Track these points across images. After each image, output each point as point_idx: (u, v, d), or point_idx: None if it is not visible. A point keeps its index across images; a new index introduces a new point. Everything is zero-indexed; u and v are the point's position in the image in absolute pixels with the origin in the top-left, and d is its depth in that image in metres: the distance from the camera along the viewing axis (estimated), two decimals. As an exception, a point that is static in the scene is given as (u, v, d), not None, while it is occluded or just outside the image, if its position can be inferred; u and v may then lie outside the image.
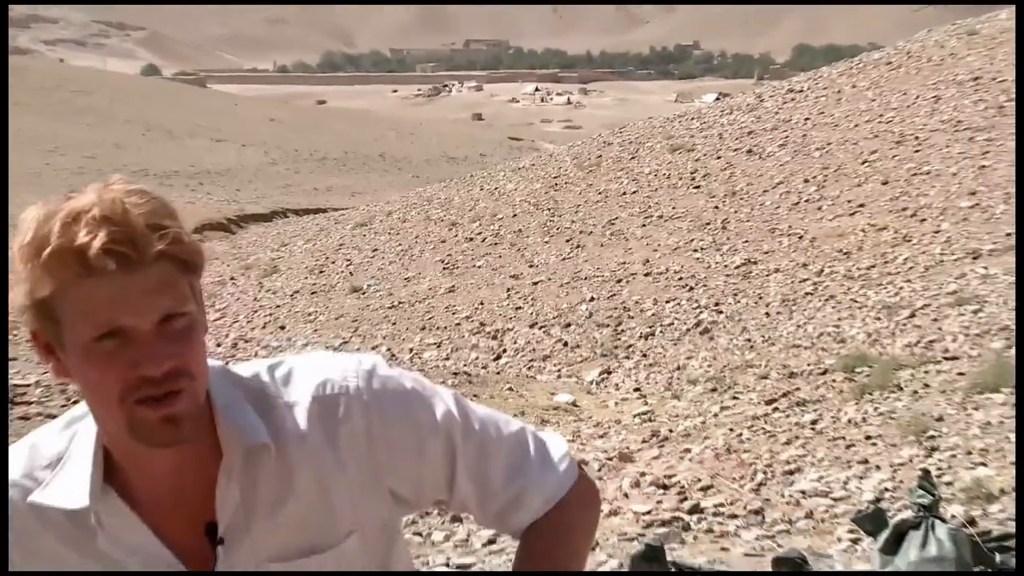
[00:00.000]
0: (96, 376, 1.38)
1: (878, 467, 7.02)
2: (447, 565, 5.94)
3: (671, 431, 9.37)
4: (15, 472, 1.53)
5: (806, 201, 17.56)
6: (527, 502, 1.66)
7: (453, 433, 1.62)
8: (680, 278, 15.93)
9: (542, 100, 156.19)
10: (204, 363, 1.44)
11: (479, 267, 18.92)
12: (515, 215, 21.46)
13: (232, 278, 21.66)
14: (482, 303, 16.91)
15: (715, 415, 9.61)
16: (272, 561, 1.54)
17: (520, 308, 16.28)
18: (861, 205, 16.63)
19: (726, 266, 15.92)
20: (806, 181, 18.37)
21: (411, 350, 14.92)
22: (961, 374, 8.67)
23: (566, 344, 14.45)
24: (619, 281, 16.35)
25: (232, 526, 1.50)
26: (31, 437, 1.57)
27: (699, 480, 7.48)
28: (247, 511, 1.51)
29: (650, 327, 14.39)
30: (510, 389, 12.32)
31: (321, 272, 20.92)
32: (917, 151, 18.04)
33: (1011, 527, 5.07)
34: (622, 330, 14.53)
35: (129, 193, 1.37)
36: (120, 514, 1.49)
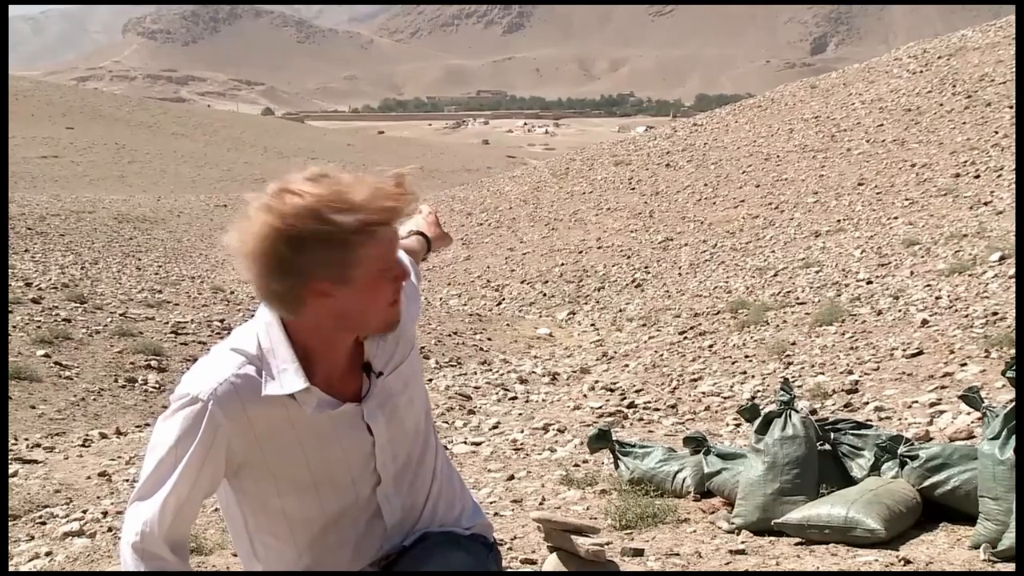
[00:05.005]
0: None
1: (753, 376, 6.99)
2: (465, 443, 5.90)
3: (615, 352, 9.36)
4: (234, 368, 1.52)
5: (705, 198, 17.45)
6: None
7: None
8: (621, 250, 15.85)
9: (528, 131, 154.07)
10: None
11: (486, 243, 18.81)
12: (510, 208, 21.32)
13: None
14: (488, 267, 16.83)
15: (645, 342, 9.59)
16: (389, 373, 1.66)
17: (514, 270, 16.20)
18: (742, 201, 16.53)
19: (652, 242, 15.83)
20: (705, 185, 18.24)
21: (440, 298, 14.85)
22: (807, 314, 8.63)
23: (545, 295, 14.39)
24: (581, 252, 16.27)
25: (378, 362, 1.65)
26: (222, 347, 1.58)
27: (634, 385, 7.47)
28: (383, 350, 1.66)
29: (601, 283, 14.33)
30: (507, 325, 12.28)
31: (382, 246, 20.80)
32: (778, 165, 17.91)
33: (840, 415, 5.04)
34: (583, 285, 14.47)
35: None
36: (308, 388, 1.54)
